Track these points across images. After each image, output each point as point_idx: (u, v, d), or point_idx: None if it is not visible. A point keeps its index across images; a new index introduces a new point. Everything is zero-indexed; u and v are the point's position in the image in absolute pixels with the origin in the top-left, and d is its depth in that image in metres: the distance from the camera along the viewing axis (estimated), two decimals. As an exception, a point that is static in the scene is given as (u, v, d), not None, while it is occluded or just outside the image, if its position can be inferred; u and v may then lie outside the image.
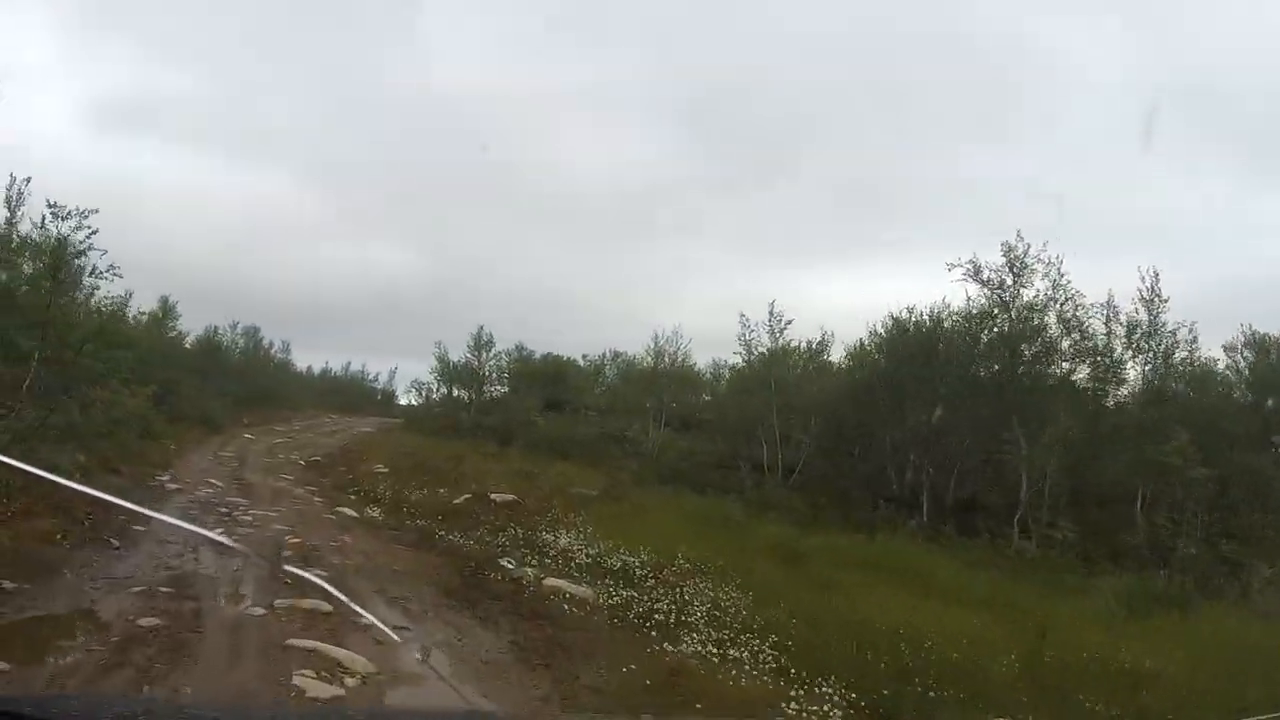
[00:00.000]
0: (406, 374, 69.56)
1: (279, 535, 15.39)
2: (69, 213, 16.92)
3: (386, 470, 25.72)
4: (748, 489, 27.85)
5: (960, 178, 72.06)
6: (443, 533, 17.51)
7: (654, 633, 12.14)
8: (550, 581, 14.19)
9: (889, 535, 24.36)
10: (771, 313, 31.07)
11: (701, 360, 41.32)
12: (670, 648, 11.47)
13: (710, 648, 11.67)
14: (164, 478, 20.13)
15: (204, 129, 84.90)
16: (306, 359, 60.07)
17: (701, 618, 13.00)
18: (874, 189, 74.69)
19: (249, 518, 16.76)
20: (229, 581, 12.23)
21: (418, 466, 26.31)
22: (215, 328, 41.74)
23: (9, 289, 16.92)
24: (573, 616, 12.63)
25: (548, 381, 40.16)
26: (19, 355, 16.21)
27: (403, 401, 64.66)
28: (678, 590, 14.47)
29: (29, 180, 17.28)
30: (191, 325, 41.47)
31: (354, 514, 18.71)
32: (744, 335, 31.22)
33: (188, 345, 38.93)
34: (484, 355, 39.95)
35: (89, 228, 17.15)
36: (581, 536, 18.46)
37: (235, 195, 76.48)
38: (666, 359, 36.00)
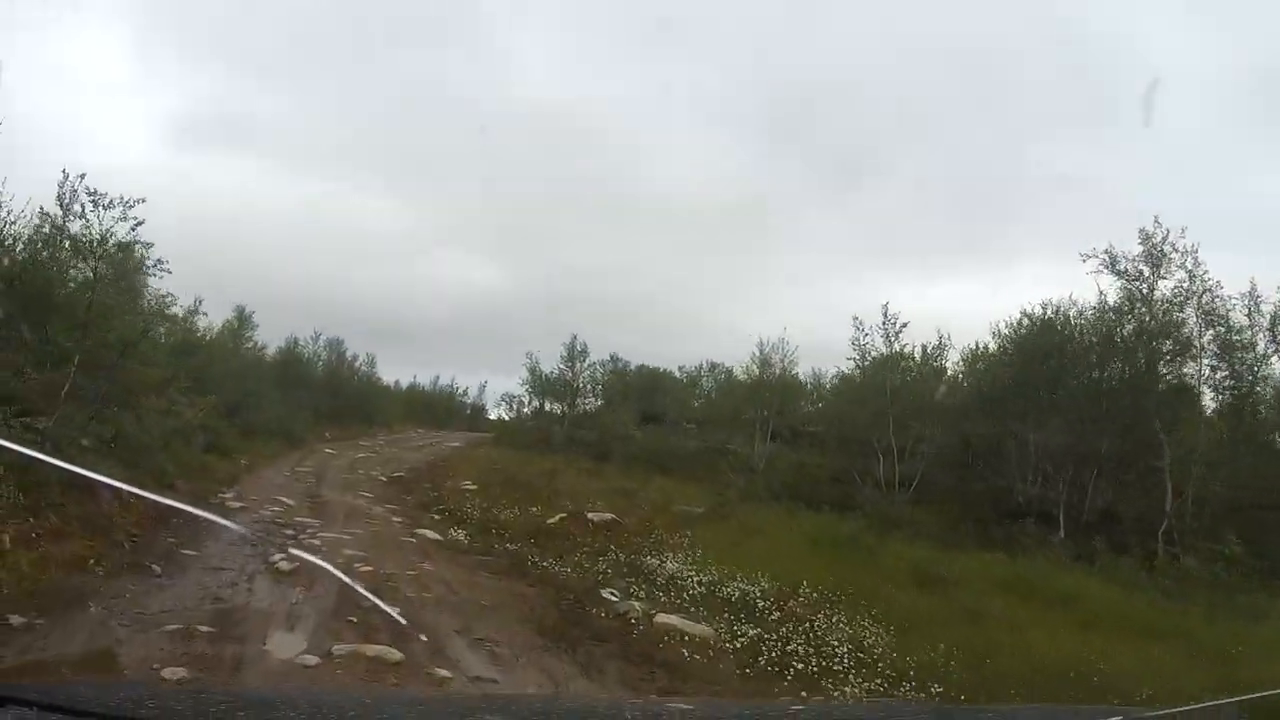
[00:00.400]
0: (496, 389, 67.65)
1: (349, 562, 13.41)
2: (111, 202, 15.08)
3: (475, 487, 23.77)
4: (866, 505, 25.41)
5: (1055, 176, 68.29)
6: (536, 558, 15.42)
7: (797, 685, 9.93)
8: (662, 618, 12.00)
9: (1030, 554, 21.77)
10: (885, 315, 28.52)
11: (799, 370, 38.92)
12: (820, 706, 9.23)
13: (866, 704, 9.42)
14: (227, 495, 18.36)
15: (287, 145, 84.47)
16: (393, 374, 58.45)
17: (846, 661, 10.79)
18: (968, 192, 71.48)
19: (317, 541, 14.83)
20: (283, 618, 10.29)
21: (508, 483, 24.33)
22: (295, 339, 40.30)
23: (49, 288, 15.04)
24: (694, 664, 10.46)
25: (643, 394, 38.02)
26: (58, 360, 14.41)
27: (492, 416, 63.37)
28: (808, 625, 12.30)
29: (83, 178, 15.41)
30: (273, 338, 40.09)
31: (437, 536, 16.71)
32: (858, 339, 28.65)
33: (267, 357, 37.39)
34: (578, 366, 38.07)
35: (134, 219, 15.25)
36: (690, 561, 16.38)
37: (319, 210, 75.76)
38: (773, 367, 33.38)
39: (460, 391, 64.13)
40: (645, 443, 30.87)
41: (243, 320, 34.08)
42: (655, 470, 28.61)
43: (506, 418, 45.86)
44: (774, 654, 10.88)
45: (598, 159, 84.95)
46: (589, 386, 37.97)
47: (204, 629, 9.38)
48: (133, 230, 15.66)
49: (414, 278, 74.58)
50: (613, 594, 13.32)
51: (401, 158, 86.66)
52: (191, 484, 17.79)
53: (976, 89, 77.73)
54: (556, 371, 37.49)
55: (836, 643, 11.51)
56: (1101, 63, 74.91)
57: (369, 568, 13.10)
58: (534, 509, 20.89)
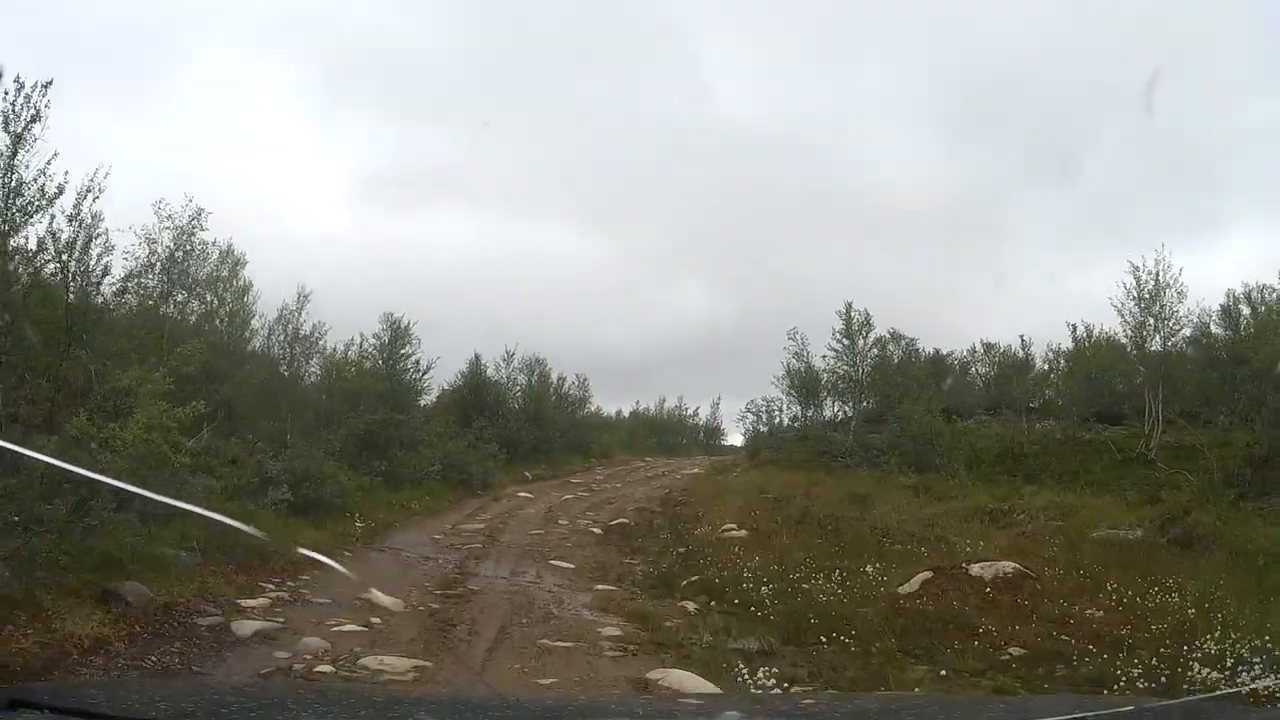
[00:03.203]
0: (728, 411, 57.88)
1: None
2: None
3: (744, 534, 14.00)
4: None
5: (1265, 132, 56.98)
6: None
7: None
8: None
9: None
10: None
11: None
12: None
13: None
14: (258, 600, 8.98)
15: (479, 188, 78.13)
16: (610, 405, 49.33)
17: None
18: (1177, 161, 61.22)
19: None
20: None
21: (797, 522, 14.49)
22: (478, 356, 31.10)
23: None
24: None
25: (934, 381, 27.40)
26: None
27: (730, 440, 53.81)
28: None
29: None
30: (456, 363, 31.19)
31: (703, 684, 6.70)
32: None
33: (433, 383, 28.08)
34: (860, 344, 26.06)
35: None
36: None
37: (518, 251, 68.78)
38: (1157, 311, 21.45)
39: (690, 413, 54.40)
40: (981, 439, 20.48)
41: (398, 334, 24.99)
42: (1008, 476, 18.48)
43: (757, 431, 35.38)
44: None
45: (802, 171, 76.58)
46: (873, 374, 26.30)
47: None
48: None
49: (624, 309, 67.22)
50: None
51: (600, 191, 79.74)
52: (198, 578, 8.72)
53: (1172, 53, 66.04)
54: (831, 355, 26.43)
55: None
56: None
57: None
58: (870, 568, 11.08)
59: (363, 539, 13.48)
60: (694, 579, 11.16)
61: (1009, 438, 21.21)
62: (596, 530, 16.05)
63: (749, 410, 34.71)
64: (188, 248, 15.94)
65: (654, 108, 78.80)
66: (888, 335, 26.81)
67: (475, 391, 30.21)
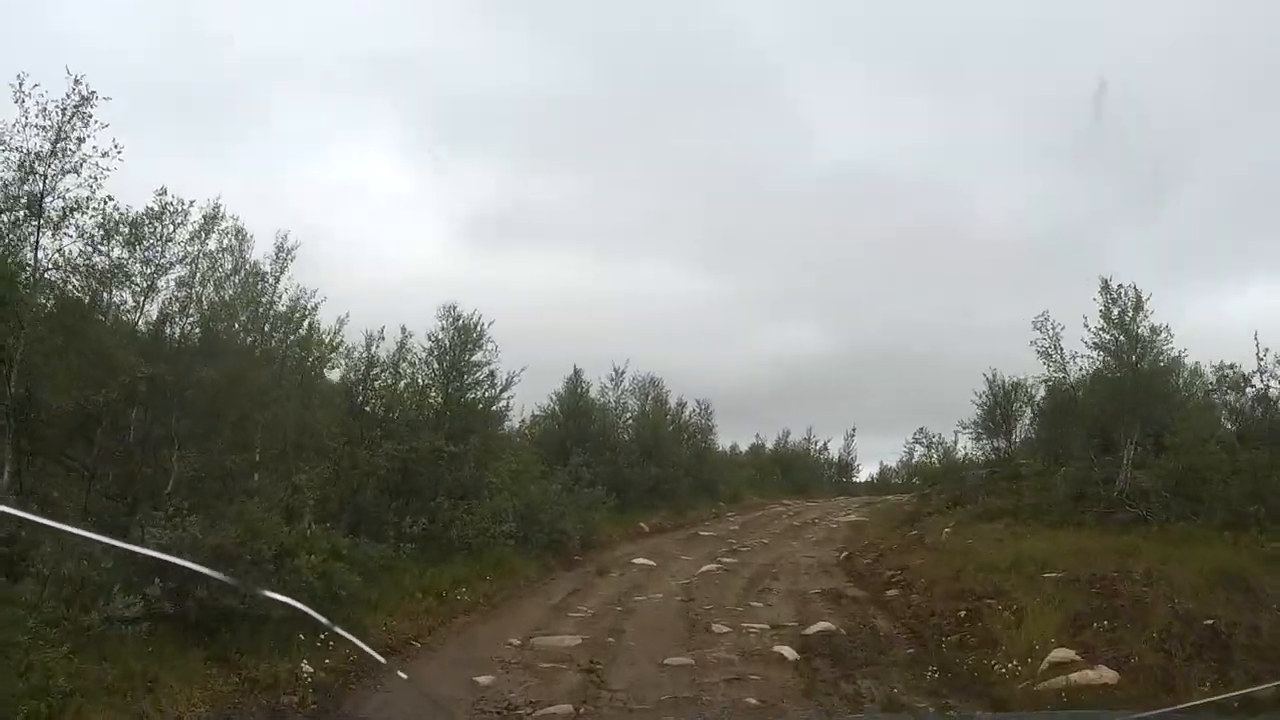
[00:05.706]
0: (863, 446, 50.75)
1: None
2: None
3: (1106, 676, 6.87)
4: None
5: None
6: None
7: None
8: None
9: None
10: None
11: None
12: None
13: None
14: None
15: (583, 230, 73.06)
16: (724, 439, 42.49)
17: None
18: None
19: None
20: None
21: (1193, 645, 7.31)
22: (579, 373, 24.20)
23: None
24: None
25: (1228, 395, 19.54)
26: None
27: (861, 477, 46.66)
28: None
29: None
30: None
31: None
32: None
33: (525, 410, 21.22)
34: (1137, 333, 16.84)
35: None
36: None
37: (626, 290, 63.75)
38: None
39: (820, 447, 46.79)
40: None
41: (464, 336, 17.45)
42: None
43: (934, 465, 27.97)
44: None
45: (904, 207, 70.93)
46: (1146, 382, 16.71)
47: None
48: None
49: (732, 350, 61.79)
50: None
51: (709, 228, 74.62)
52: None
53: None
54: (1088, 356, 17.19)
55: None
56: None
57: None
58: None
59: (314, 697, 6.68)
60: None
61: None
62: (784, 650, 8.97)
63: (917, 440, 27.45)
64: (64, 148, 9.45)
65: (756, 141, 73.27)
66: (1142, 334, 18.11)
67: (574, 416, 23.38)
